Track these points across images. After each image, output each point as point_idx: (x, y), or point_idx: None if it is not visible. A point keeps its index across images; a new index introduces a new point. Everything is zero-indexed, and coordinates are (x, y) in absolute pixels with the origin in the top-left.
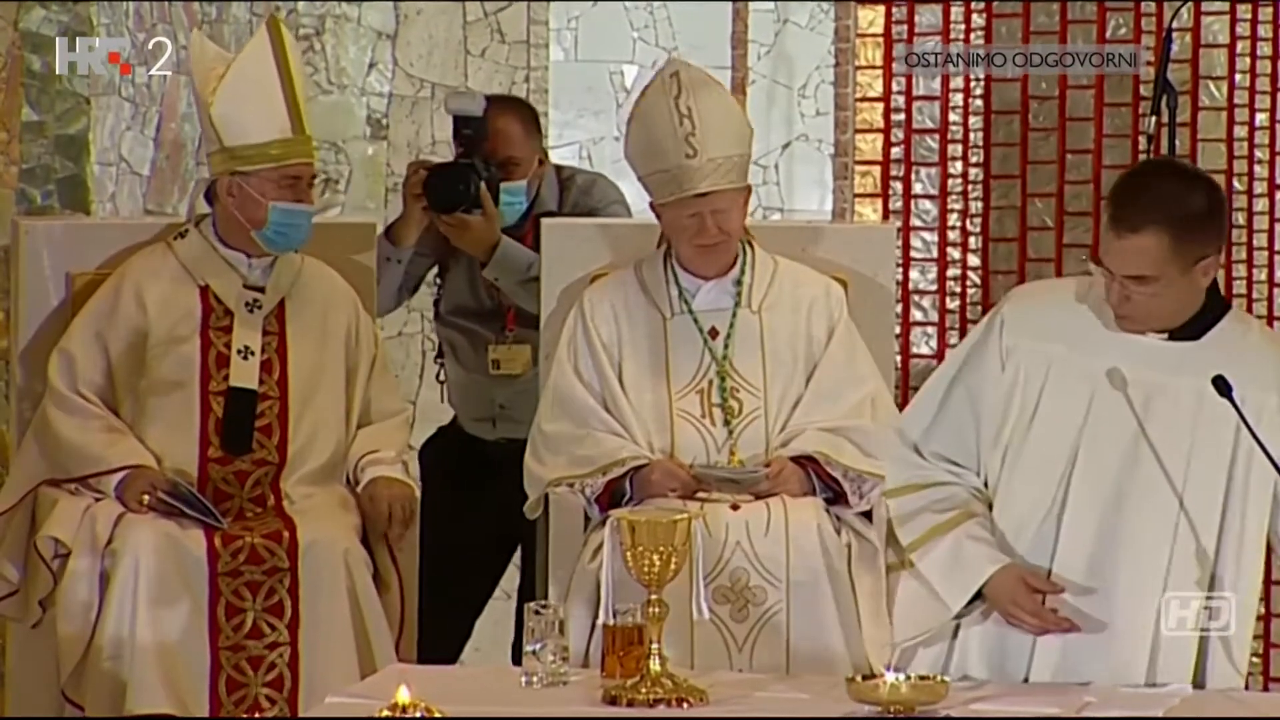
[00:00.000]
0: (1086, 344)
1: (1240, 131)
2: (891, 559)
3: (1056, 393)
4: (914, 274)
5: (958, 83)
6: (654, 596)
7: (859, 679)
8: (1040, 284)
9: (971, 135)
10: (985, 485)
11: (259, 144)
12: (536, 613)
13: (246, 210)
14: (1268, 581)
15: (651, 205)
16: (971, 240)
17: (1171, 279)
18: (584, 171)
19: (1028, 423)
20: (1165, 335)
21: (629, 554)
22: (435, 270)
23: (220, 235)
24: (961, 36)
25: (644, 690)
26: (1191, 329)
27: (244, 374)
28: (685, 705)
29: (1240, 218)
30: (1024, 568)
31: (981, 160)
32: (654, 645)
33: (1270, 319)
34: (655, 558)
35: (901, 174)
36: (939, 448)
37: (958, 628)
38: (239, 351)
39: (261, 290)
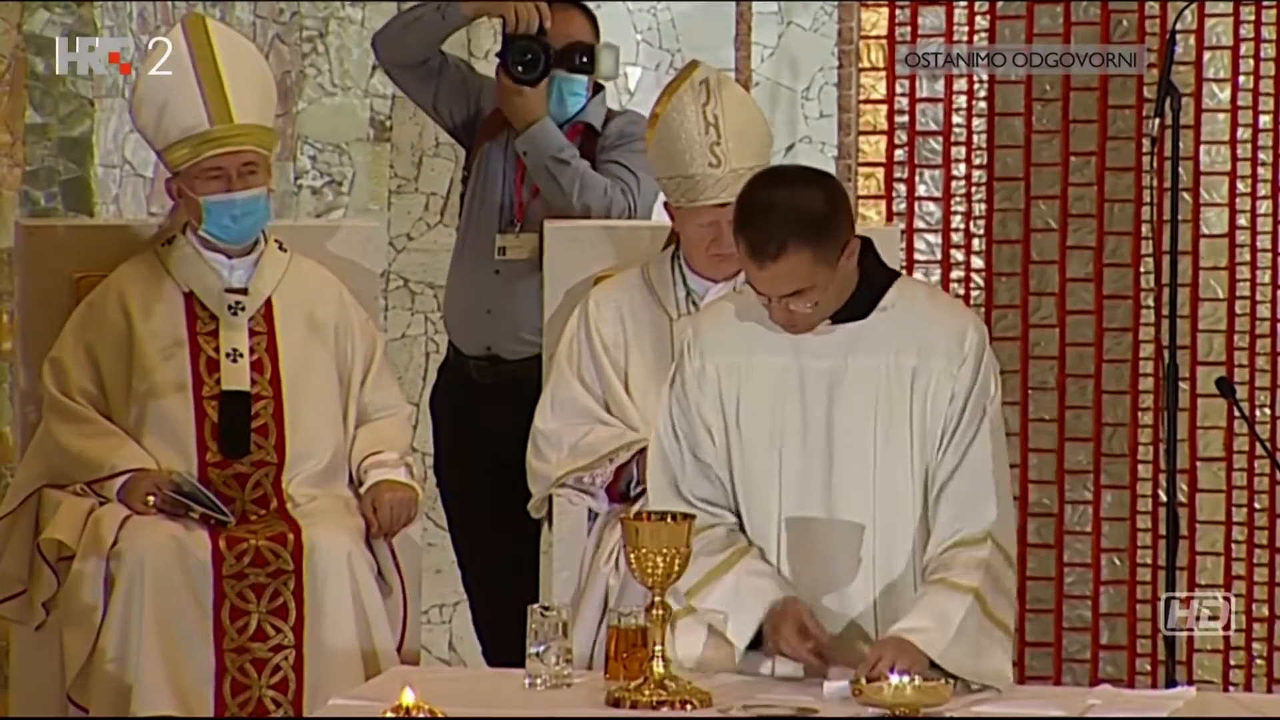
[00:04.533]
0: (762, 350)
1: (1244, 134)
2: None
3: (750, 397)
4: (918, 276)
5: (961, 85)
6: (658, 598)
7: (864, 681)
8: (706, 309)
9: (975, 137)
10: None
11: (177, 143)
12: (541, 615)
13: (190, 209)
14: (1271, 583)
15: (666, 205)
16: (975, 242)
17: (826, 280)
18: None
19: (736, 428)
20: (829, 321)
21: (633, 555)
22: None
23: (199, 238)
24: (965, 38)
25: (647, 693)
26: (856, 307)
27: (235, 377)
28: (689, 708)
29: (1244, 220)
30: (801, 605)
31: (985, 162)
32: (657, 647)
33: (1274, 322)
34: (659, 559)
35: (905, 176)
36: (692, 488)
37: None
38: (228, 355)
39: (244, 292)
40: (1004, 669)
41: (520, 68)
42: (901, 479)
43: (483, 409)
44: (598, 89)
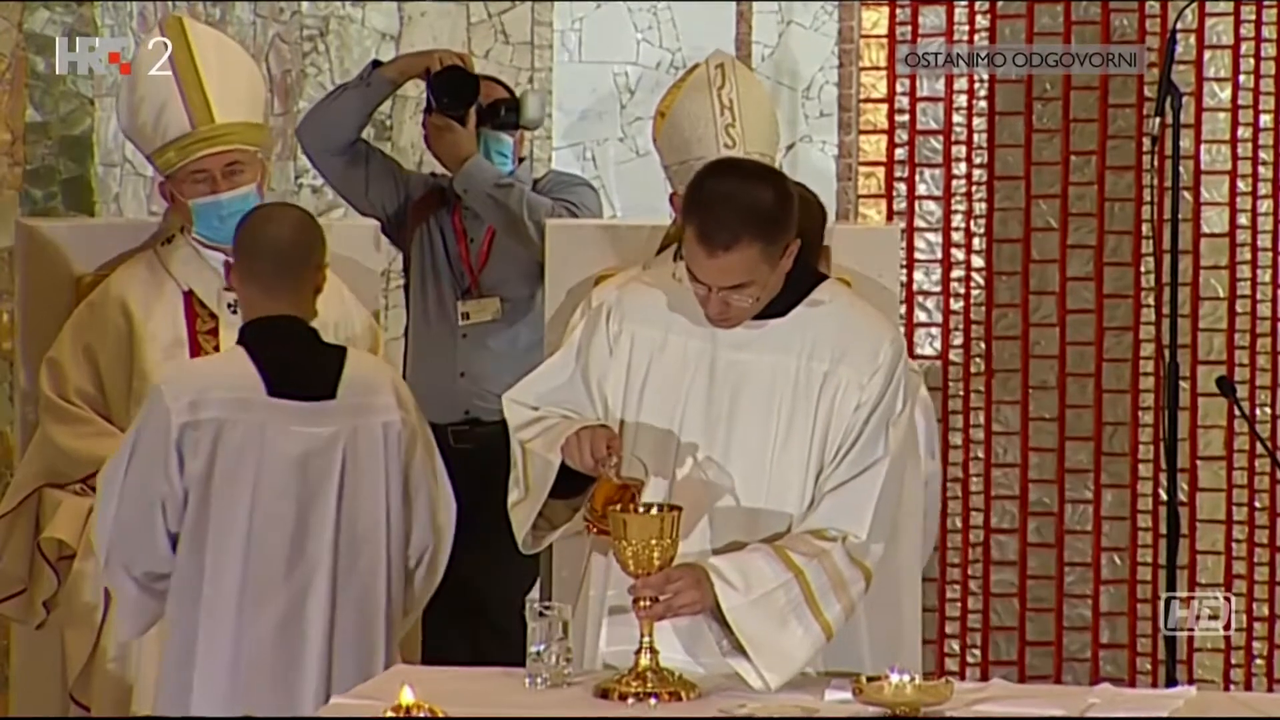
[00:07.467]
0: (680, 330)
1: (1244, 133)
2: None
3: (659, 373)
4: (918, 275)
5: (961, 84)
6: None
7: (864, 679)
8: (633, 284)
9: (975, 136)
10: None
11: (163, 147)
12: (540, 614)
13: (180, 213)
14: (1271, 583)
15: (672, 200)
16: (975, 241)
17: (766, 277)
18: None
19: (637, 400)
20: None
21: (622, 547)
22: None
23: (197, 238)
24: (965, 38)
25: (635, 684)
26: (778, 305)
27: None
28: (678, 700)
29: (1244, 219)
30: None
31: (985, 161)
32: (645, 640)
33: (1274, 321)
34: (654, 554)
35: (905, 175)
36: (553, 406)
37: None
38: None
39: None
40: (795, 658)
41: (448, 98)
42: (794, 480)
43: (464, 477)
44: (521, 160)
